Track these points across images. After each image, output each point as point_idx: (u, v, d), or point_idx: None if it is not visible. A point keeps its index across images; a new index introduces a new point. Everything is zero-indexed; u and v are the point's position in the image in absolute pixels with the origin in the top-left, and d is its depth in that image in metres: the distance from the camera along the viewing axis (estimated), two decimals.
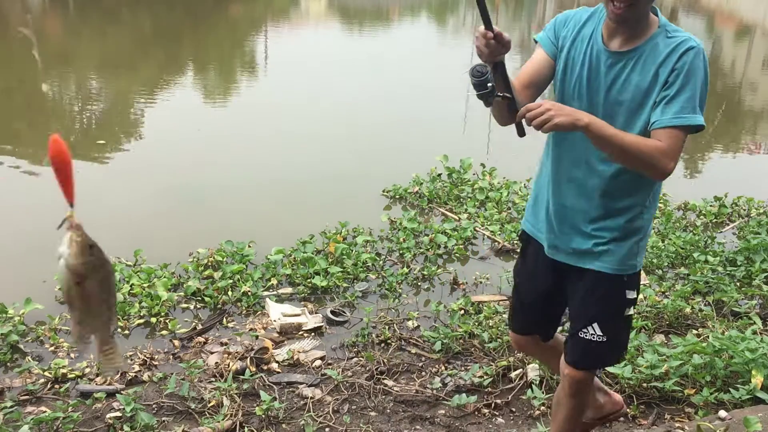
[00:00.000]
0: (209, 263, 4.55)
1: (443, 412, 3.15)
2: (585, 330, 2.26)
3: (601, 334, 2.25)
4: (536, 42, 2.29)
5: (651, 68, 2.04)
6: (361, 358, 3.60)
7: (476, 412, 3.14)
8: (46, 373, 3.33)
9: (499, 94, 2.04)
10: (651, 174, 2.07)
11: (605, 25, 2.11)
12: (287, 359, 3.57)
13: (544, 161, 2.35)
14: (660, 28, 2.07)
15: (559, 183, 2.26)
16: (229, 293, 4.22)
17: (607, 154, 2.06)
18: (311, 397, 3.22)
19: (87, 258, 1.46)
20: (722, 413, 2.96)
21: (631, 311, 2.30)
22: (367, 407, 3.18)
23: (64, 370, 3.36)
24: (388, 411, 3.16)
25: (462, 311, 4.09)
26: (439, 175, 6.34)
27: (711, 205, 6.03)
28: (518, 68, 2.36)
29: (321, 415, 3.08)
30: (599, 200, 2.18)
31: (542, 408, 3.14)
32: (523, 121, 2.03)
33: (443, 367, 3.53)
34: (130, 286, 4.19)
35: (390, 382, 3.36)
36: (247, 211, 5.67)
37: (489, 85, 2.01)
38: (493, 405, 3.18)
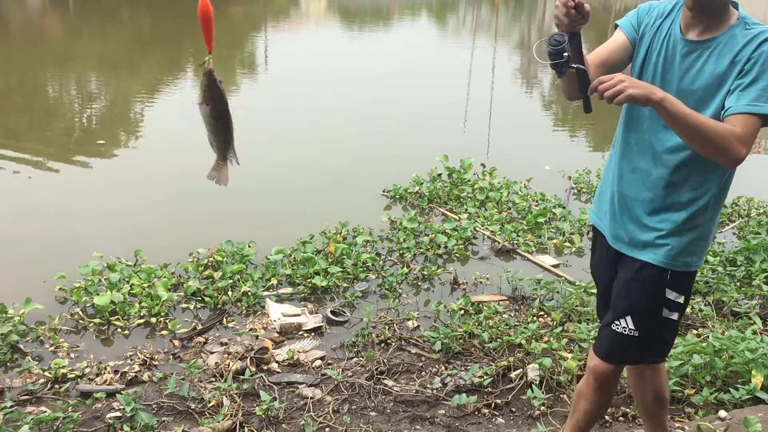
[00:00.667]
0: (209, 263, 4.55)
1: (443, 412, 3.15)
2: (618, 322, 2.21)
3: (633, 328, 2.18)
4: (616, 27, 2.28)
5: (727, 57, 2.03)
6: (361, 358, 3.60)
7: (476, 412, 3.14)
8: (46, 373, 3.33)
9: (573, 65, 2.03)
10: (722, 159, 2.02)
11: (683, 16, 2.12)
12: (287, 359, 3.57)
13: (612, 152, 2.34)
14: (739, 20, 2.07)
15: (624, 173, 2.24)
16: (229, 293, 4.22)
17: (678, 133, 2.02)
18: (311, 397, 3.22)
19: (205, 87, 1.78)
20: (722, 413, 2.96)
21: (674, 316, 2.21)
22: (367, 407, 3.18)
23: (64, 370, 3.36)
24: (388, 411, 3.16)
25: (462, 311, 4.09)
26: (440, 175, 6.34)
27: None
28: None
29: (321, 415, 3.08)
30: (662, 191, 2.16)
31: (542, 408, 3.14)
32: (592, 97, 2.03)
33: (443, 367, 3.53)
34: (130, 286, 4.18)
35: (390, 382, 3.36)
36: (247, 211, 5.68)
37: (565, 54, 1.99)
38: (493, 405, 3.18)
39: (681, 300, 2.21)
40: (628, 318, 2.19)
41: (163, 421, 3.02)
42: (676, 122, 1.97)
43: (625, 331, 2.20)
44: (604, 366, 2.26)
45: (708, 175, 2.12)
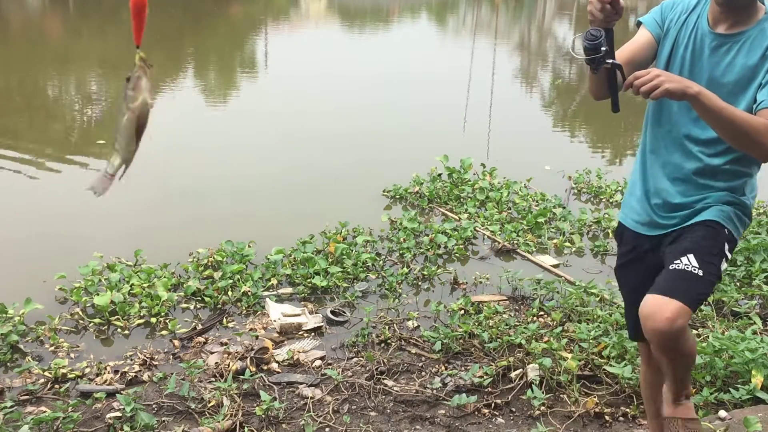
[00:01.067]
0: (209, 263, 4.55)
1: (443, 412, 3.15)
2: (678, 261, 2.08)
3: (696, 266, 2.05)
4: (639, 24, 2.28)
5: (758, 50, 2.04)
6: (361, 358, 3.60)
7: (476, 412, 3.14)
8: (46, 373, 3.33)
9: (608, 60, 2.02)
10: (756, 152, 2.03)
11: (711, 10, 2.12)
12: (287, 359, 3.57)
13: (640, 150, 2.34)
14: (767, 14, 2.07)
15: (655, 168, 2.25)
16: (229, 293, 4.22)
17: (712, 126, 2.02)
18: (311, 397, 3.22)
19: (128, 89, 1.60)
20: (722, 413, 2.96)
21: (724, 265, 2.14)
22: (367, 407, 3.18)
23: (64, 370, 3.36)
24: (388, 411, 3.16)
25: (462, 311, 4.09)
26: (440, 175, 6.34)
27: None
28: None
29: (321, 415, 3.08)
30: (695, 184, 2.17)
31: (542, 408, 3.14)
32: (621, 94, 2.03)
33: (443, 367, 3.53)
34: (130, 286, 4.19)
35: (390, 382, 3.36)
36: (247, 210, 5.68)
37: (603, 49, 1.99)
38: (493, 405, 3.18)
39: (729, 255, 2.15)
40: (690, 256, 2.07)
41: (163, 421, 3.02)
42: (711, 116, 1.97)
43: (687, 267, 2.05)
44: (669, 304, 1.97)
45: (740, 167, 2.13)
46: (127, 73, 1.57)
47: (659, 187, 2.25)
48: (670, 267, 2.09)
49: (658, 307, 2.00)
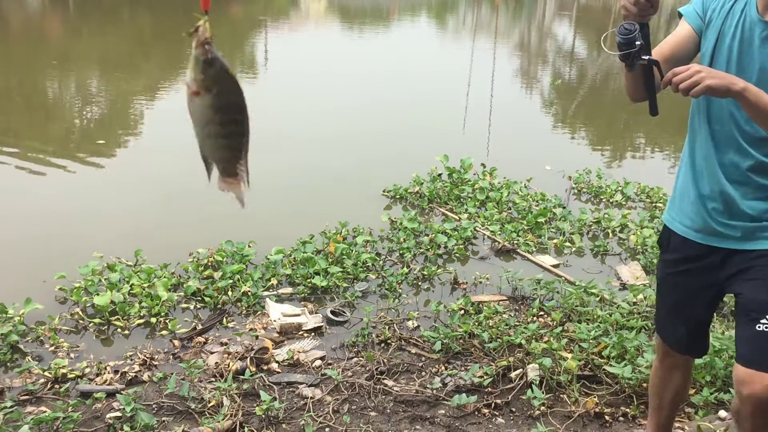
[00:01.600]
0: (209, 263, 4.55)
1: (443, 412, 3.15)
2: (765, 320, 1.96)
3: None
4: (680, 16, 2.15)
5: None
6: (361, 358, 3.60)
7: (476, 412, 3.14)
8: (46, 373, 3.33)
9: (644, 56, 1.92)
10: None
11: None
12: (287, 359, 3.57)
13: (688, 150, 2.19)
14: None
15: (711, 167, 2.09)
16: (229, 293, 4.22)
17: (759, 124, 1.93)
18: (311, 397, 3.22)
19: (197, 72, 1.29)
20: (722, 413, 2.96)
21: None
22: (367, 407, 3.18)
23: (64, 370, 3.36)
24: (388, 411, 3.16)
25: (462, 311, 4.09)
26: (440, 175, 6.34)
27: None
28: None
29: (321, 415, 3.08)
30: (755, 185, 2.03)
31: (542, 408, 3.14)
32: (660, 94, 1.94)
33: (443, 367, 3.53)
34: (130, 286, 4.19)
35: (390, 382, 3.36)
36: (247, 211, 5.65)
37: (637, 43, 1.89)
38: (493, 405, 3.18)
39: None
40: None
41: (163, 421, 3.02)
42: (758, 113, 1.88)
43: None
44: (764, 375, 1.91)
45: None
46: (201, 50, 1.28)
47: (716, 190, 2.09)
48: (757, 328, 1.96)
49: (757, 375, 1.93)
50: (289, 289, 4.38)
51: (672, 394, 2.49)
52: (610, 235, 5.50)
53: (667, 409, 2.54)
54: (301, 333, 3.89)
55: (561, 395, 3.24)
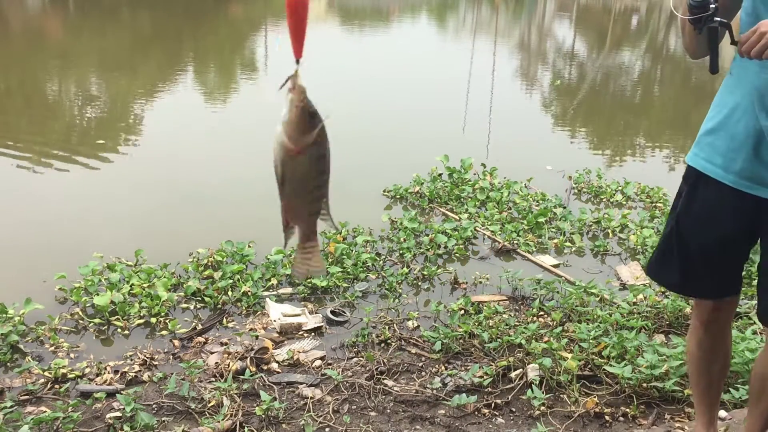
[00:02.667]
0: (209, 263, 4.55)
1: (443, 412, 3.15)
2: None
3: None
4: None
5: None
6: (361, 358, 3.60)
7: (476, 412, 3.14)
8: (46, 373, 3.33)
9: (716, 19, 1.82)
10: None
11: None
12: (287, 359, 3.57)
13: (734, 80, 2.02)
14: None
15: (758, 107, 1.92)
16: (229, 293, 4.22)
17: None
18: (311, 397, 3.21)
19: (305, 126, 1.22)
20: (722, 413, 2.96)
21: None
22: (367, 407, 3.18)
23: (64, 370, 3.36)
24: (388, 411, 3.16)
25: (462, 311, 4.09)
26: (440, 175, 6.34)
27: None
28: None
29: (321, 415, 3.08)
30: None
31: (542, 408, 3.14)
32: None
33: (443, 367, 3.53)
34: (130, 286, 4.19)
35: (390, 382, 3.36)
36: (247, 211, 5.67)
37: (712, 6, 1.80)
38: (493, 405, 3.18)
39: None
40: None
41: (163, 421, 3.02)
42: None
43: None
44: None
45: None
46: (300, 106, 1.23)
47: (758, 132, 1.92)
48: None
49: None
50: (289, 289, 4.38)
51: (721, 364, 2.40)
52: (610, 235, 5.50)
53: (717, 383, 2.43)
54: (301, 333, 3.89)
55: (561, 395, 3.24)
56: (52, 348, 3.62)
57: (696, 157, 2.13)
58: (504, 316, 3.99)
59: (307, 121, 1.22)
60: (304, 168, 1.25)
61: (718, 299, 2.27)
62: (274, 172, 1.28)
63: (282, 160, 1.25)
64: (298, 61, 1.25)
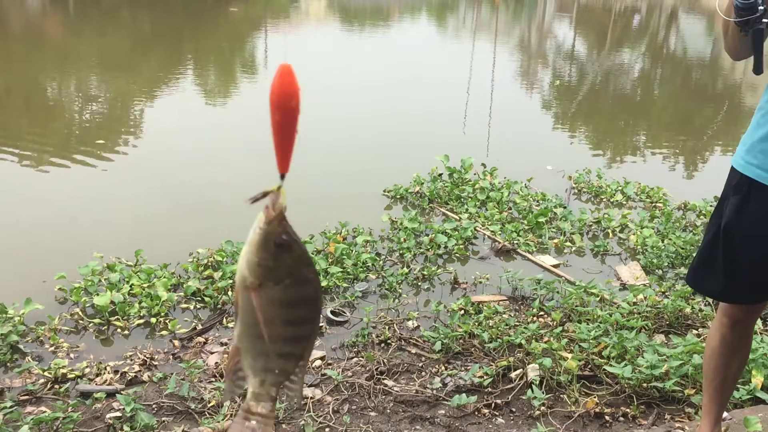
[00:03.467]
0: (209, 263, 4.55)
1: (443, 412, 3.15)
2: None
3: None
4: None
5: None
6: (361, 358, 3.60)
7: (476, 412, 3.14)
8: (46, 373, 3.33)
9: (765, 20, 1.79)
10: None
11: None
12: None
13: None
14: None
15: None
16: (229, 293, 4.22)
17: None
18: (311, 397, 3.21)
19: (266, 258, 0.94)
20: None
21: None
22: (367, 407, 3.18)
23: (64, 370, 3.36)
24: (388, 411, 3.16)
25: (462, 311, 4.09)
26: (440, 174, 6.34)
27: (711, 205, 6.03)
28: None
29: (321, 415, 3.08)
30: None
31: (542, 408, 3.14)
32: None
33: (443, 367, 3.53)
34: (130, 286, 4.19)
35: (390, 382, 3.36)
36: (247, 211, 5.64)
37: (760, 8, 1.77)
38: (493, 405, 3.18)
39: None
40: None
41: (163, 421, 3.02)
42: None
43: None
44: None
45: None
46: (276, 229, 0.97)
47: None
48: None
49: None
50: None
51: (740, 362, 2.40)
52: (610, 235, 5.50)
53: (732, 381, 2.45)
54: None
55: (561, 395, 3.24)
56: (52, 348, 3.62)
57: (749, 166, 2.10)
58: (504, 316, 3.99)
59: (272, 253, 0.94)
60: (266, 311, 0.94)
61: (755, 303, 2.28)
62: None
63: (236, 289, 0.96)
64: (282, 177, 1.00)
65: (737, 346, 2.38)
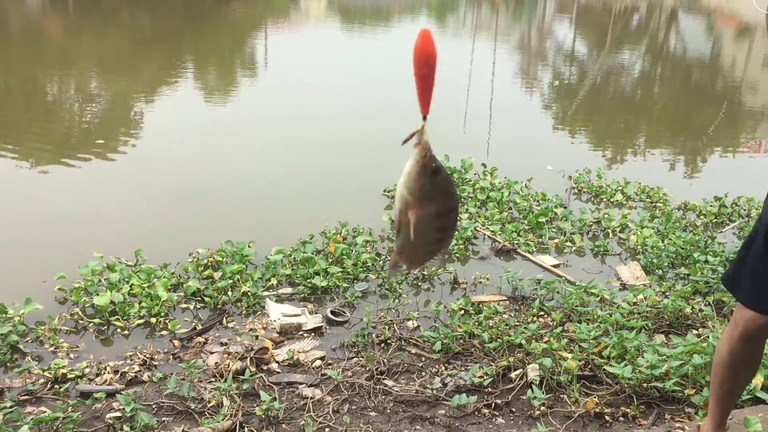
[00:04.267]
0: (209, 263, 4.55)
1: (443, 412, 3.15)
2: None
3: None
4: None
5: None
6: (361, 358, 3.60)
7: (476, 412, 3.14)
8: (46, 373, 3.33)
9: None
10: None
11: None
12: (287, 359, 3.57)
13: None
14: None
15: None
16: (229, 293, 4.22)
17: None
18: (311, 397, 3.21)
19: (424, 183, 1.19)
20: None
21: None
22: (367, 407, 3.18)
23: (64, 370, 3.36)
24: (388, 411, 3.16)
25: (462, 311, 4.09)
26: None
27: (711, 205, 6.03)
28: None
29: (321, 415, 3.08)
30: None
31: (542, 408, 3.14)
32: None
33: (443, 367, 3.53)
34: (130, 286, 4.19)
35: (390, 382, 3.36)
36: (247, 211, 5.68)
37: None
38: (493, 405, 3.18)
39: None
40: None
41: (163, 421, 3.02)
42: None
43: None
44: None
45: None
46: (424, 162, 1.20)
47: None
48: None
49: None
50: (289, 289, 4.38)
51: (747, 377, 2.36)
52: (611, 235, 5.50)
53: (739, 389, 2.42)
54: (301, 333, 3.89)
55: (561, 395, 3.24)
56: (52, 348, 3.62)
57: None
58: (504, 316, 3.99)
59: (428, 179, 1.20)
60: (421, 223, 1.22)
61: None
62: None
63: (400, 210, 1.23)
64: (424, 118, 1.21)
65: (749, 359, 2.33)
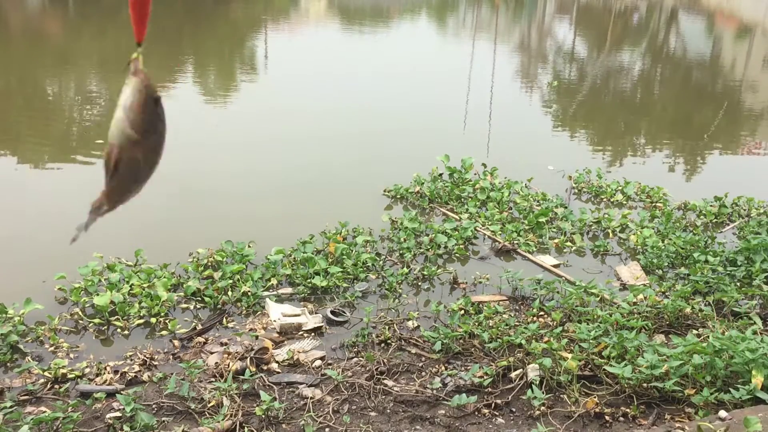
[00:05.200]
0: (209, 263, 4.55)
1: (443, 412, 3.15)
2: None
3: None
4: None
5: None
6: (361, 358, 3.60)
7: (476, 412, 3.14)
8: (46, 373, 3.33)
9: None
10: None
11: None
12: (287, 359, 3.57)
13: None
14: None
15: None
16: (229, 293, 4.22)
17: None
18: (311, 397, 3.21)
19: (148, 113, 1.14)
20: (722, 413, 2.95)
21: None
22: (367, 407, 3.18)
23: (64, 370, 3.36)
24: (388, 411, 3.16)
25: (462, 311, 4.09)
26: (441, 174, 6.34)
27: (711, 205, 6.03)
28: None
29: (321, 415, 3.08)
30: None
31: (542, 408, 3.14)
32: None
33: (443, 367, 3.52)
34: (130, 286, 4.18)
35: (390, 382, 3.36)
36: (247, 211, 5.67)
37: None
38: (493, 405, 3.18)
39: None
40: None
41: (163, 421, 3.02)
42: None
43: None
44: None
45: None
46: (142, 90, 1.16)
47: None
48: None
49: None
50: (289, 289, 4.38)
51: None
52: (611, 235, 5.49)
53: None
54: (301, 333, 3.89)
55: (561, 395, 3.24)
56: (52, 348, 3.62)
57: None
58: (504, 316, 3.99)
59: (151, 108, 1.14)
60: (142, 156, 1.20)
61: None
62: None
63: (120, 146, 1.17)
64: (139, 44, 1.16)
65: None
